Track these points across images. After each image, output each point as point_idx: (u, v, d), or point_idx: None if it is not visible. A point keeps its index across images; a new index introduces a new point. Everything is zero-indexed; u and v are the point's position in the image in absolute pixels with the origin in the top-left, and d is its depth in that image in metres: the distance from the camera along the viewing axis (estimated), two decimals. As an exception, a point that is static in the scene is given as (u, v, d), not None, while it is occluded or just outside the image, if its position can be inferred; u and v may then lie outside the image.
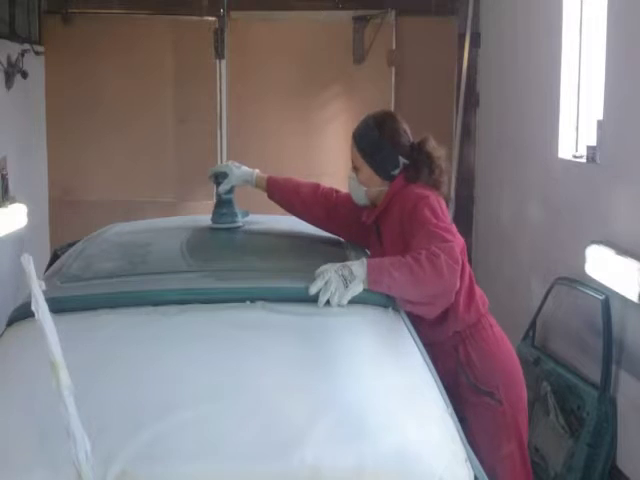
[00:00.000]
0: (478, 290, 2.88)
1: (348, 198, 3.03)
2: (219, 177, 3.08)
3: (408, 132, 2.89)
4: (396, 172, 2.84)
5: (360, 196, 2.92)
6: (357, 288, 2.29)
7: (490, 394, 2.80)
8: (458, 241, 2.63)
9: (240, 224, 3.04)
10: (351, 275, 2.30)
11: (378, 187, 2.86)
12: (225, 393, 1.80)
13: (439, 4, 6.60)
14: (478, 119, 6.58)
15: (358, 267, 2.34)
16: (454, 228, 2.68)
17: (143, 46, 6.64)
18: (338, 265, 2.34)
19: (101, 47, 6.58)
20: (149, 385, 1.83)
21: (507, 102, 5.87)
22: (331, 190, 3.14)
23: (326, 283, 2.26)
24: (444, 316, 2.73)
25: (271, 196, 3.18)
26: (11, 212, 5.33)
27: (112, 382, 1.83)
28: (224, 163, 3.21)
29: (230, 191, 3.09)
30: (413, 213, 2.65)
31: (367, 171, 2.86)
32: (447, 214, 2.71)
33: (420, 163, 2.82)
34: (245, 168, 3.14)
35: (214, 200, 3.16)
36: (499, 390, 2.80)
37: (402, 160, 2.83)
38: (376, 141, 2.83)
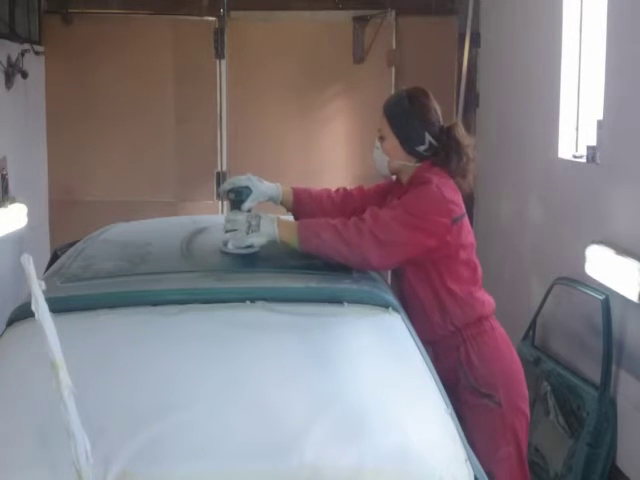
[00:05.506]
0: (480, 291, 2.88)
1: (376, 191, 3.05)
2: (242, 193, 2.71)
3: (439, 112, 2.91)
4: (422, 149, 2.84)
5: (382, 165, 2.94)
6: (257, 240, 2.53)
7: (489, 396, 2.80)
8: (464, 241, 2.74)
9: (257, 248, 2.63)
10: (257, 227, 2.53)
11: (401, 160, 2.87)
12: (225, 393, 1.80)
13: (439, 4, 6.60)
14: (478, 119, 6.57)
15: (267, 223, 2.55)
16: (441, 226, 2.67)
17: (143, 46, 6.63)
18: (252, 214, 2.59)
19: (101, 47, 6.57)
20: (149, 385, 1.83)
21: (507, 102, 5.87)
22: (360, 187, 3.09)
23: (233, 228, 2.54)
24: (430, 314, 2.78)
25: (299, 208, 2.94)
26: (11, 212, 5.33)
27: (112, 382, 1.83)
28: (244, 176, 2.79)
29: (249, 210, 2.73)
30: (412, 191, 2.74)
31: (392, 141, 2.87)
32: (440, 213, 2.68)
33: (449, 149, 2.83)
34: (267, 183, 2.87)
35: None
36: (498, 392, 2.80)
37: (429, 139, 2.84)
38: (405, 112, 2.86)
